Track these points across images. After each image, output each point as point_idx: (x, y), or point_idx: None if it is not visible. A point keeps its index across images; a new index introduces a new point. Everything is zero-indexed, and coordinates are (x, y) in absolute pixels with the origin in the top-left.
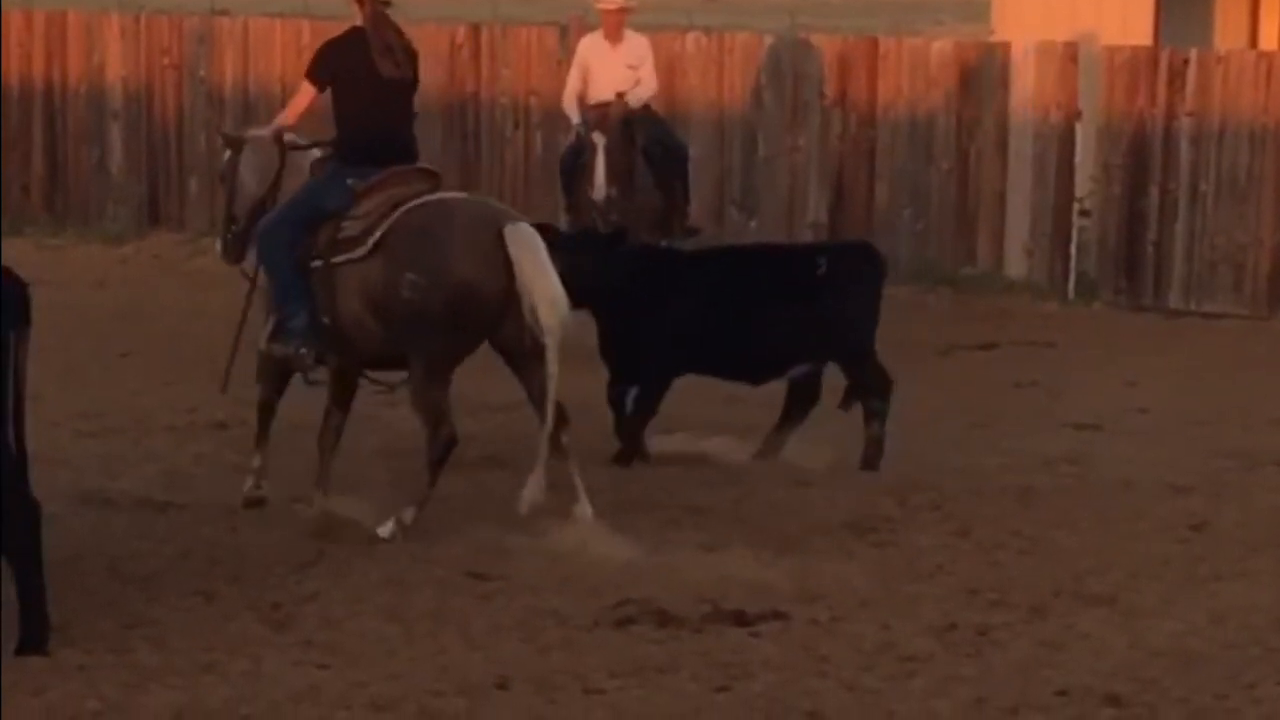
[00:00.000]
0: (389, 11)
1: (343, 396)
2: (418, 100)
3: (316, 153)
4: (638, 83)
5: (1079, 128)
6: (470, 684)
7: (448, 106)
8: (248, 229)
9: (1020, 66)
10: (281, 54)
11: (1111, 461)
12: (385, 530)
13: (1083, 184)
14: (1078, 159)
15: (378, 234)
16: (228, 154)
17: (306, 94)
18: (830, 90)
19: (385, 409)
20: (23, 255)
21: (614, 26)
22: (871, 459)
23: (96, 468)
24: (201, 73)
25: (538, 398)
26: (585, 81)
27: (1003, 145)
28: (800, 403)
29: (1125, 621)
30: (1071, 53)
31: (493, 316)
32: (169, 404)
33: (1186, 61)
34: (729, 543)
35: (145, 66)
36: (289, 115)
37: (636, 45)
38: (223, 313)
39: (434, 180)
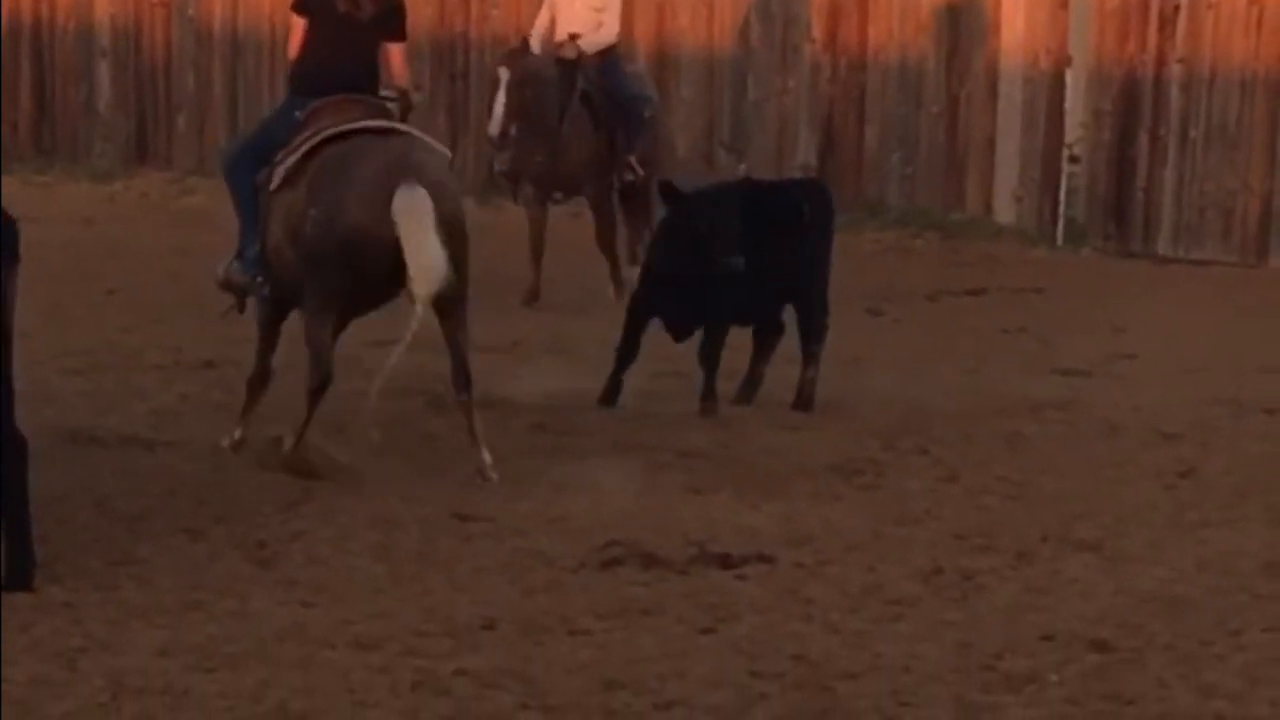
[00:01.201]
0: None
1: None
2: (408, 41)
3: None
4: (599, 26)
5: (1069, 74)
6: (456, 624)
7: (437, 46)
8: None
9: (1011, 12)
10: None
11: (1099, 407)
12: (286, 442)
13: (1072, 130)
14: (1068, 105)
15: (287, 165)
16: None
17: (298, 26)
18: (818, 33)
19: (368, 350)
20: (10, 192)
21: None
22: (807, 400)
23: (83, 405)
24: (190, 11)
25: (450, 349)
26: (554, 23)
27: (993, 91)
28: (768, 340)
29: (1112, 567)
30: None
31: (387, 266)
32: (156, 342)
33: (1177, 8)
34: (716, 486)
35: (134, 4)
36: (292, 53)
37: None
38: (210, 251)
39: (366, 109)
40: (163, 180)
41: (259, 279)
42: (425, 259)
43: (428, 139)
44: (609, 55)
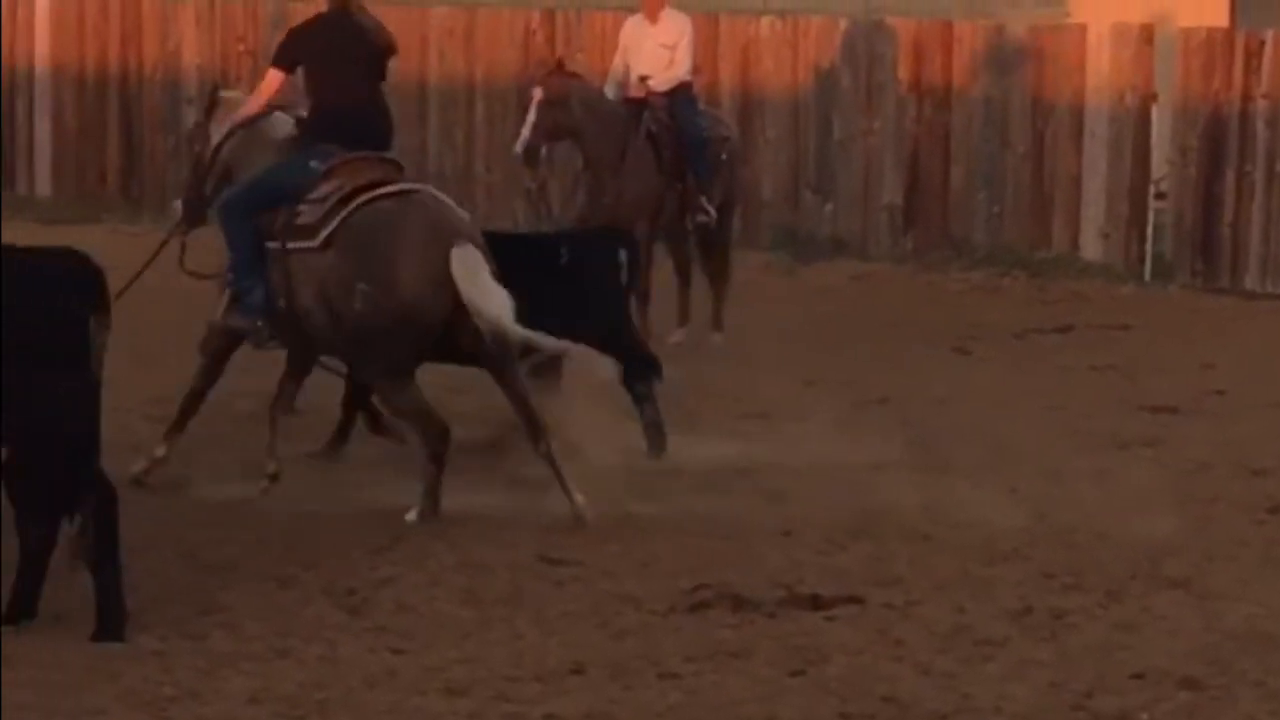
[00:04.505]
0: None
1: (299, 368)
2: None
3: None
4: (671, 63)
5: (1155, 110)
6: (545, 669)
7: (524, 91)
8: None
9: (1095, 49)
10: None
11: (1188, 444)
12: (411, 515)
13: (1159, 166)
14: (1154, 141)
15: (331, 226)
16: None
17: (274, 79)
18: (903, 73)
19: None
20: (100, 242)
21: (651, 4)
22: (656, 442)
23: (170, 454)
24: None
25: (516, 405)
26: (627, 68)
27: (1078, 128)
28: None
29: (1201, 604)
30: (1147, 34)
31: (439, 328)
32: (243, 389)
33: (1263, 43)
34: (804, 527)
35: (220, 51)
36: (256, 104)
37: (674, 23)
38: None
39: (386, 168)
40: None
41: (260, 324)
42: (492, 315)
43: (444, 197)
44: (680, 94)
